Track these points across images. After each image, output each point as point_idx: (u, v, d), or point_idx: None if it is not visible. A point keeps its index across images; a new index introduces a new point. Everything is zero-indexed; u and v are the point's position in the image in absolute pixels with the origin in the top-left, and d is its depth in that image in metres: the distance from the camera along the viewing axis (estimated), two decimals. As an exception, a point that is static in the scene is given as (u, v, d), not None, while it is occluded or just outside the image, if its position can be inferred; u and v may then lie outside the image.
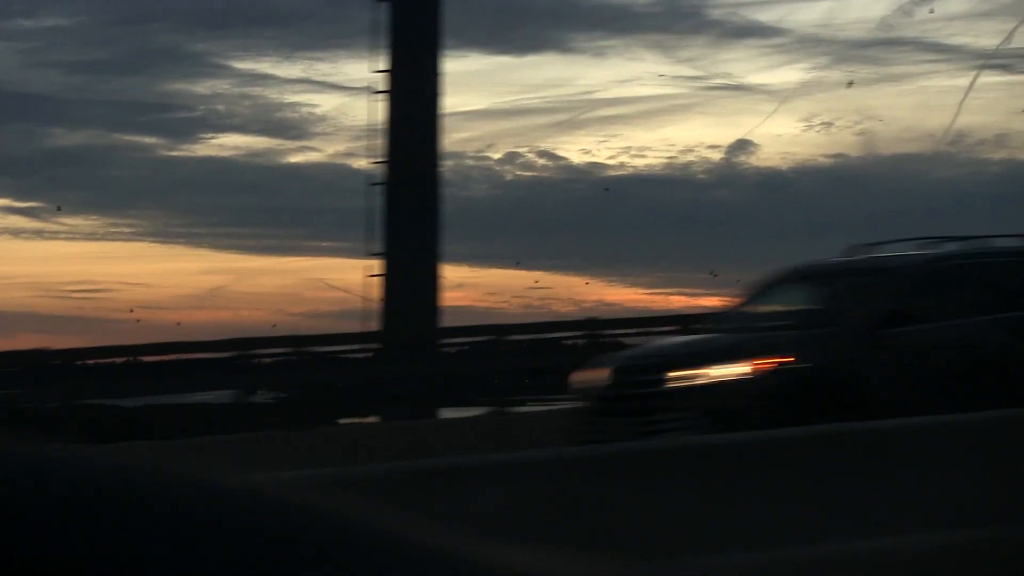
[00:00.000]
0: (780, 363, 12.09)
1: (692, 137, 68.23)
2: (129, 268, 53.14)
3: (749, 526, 6.50)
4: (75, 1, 50.92)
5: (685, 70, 66.27)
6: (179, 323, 48.01)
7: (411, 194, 26.39)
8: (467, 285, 55.30)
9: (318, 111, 52.85)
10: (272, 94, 56.17)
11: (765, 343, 12.49)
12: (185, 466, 1.26)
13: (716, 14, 56.18)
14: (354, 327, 27.10)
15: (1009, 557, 6.73)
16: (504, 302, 47.93)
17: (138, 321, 33.63)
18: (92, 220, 52.72)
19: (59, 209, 48.58)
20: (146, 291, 52.43)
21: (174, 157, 51.39)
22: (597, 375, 12.92)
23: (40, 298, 51.63)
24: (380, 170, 26.94)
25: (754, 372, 12.01)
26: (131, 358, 23.96)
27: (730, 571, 6.15)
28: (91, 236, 50.58)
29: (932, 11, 43.77)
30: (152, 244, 53.03)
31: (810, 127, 57.04)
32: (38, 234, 51.84)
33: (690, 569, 4.40)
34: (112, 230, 52.38)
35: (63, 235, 51.18)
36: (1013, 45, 57.85)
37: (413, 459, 11.54)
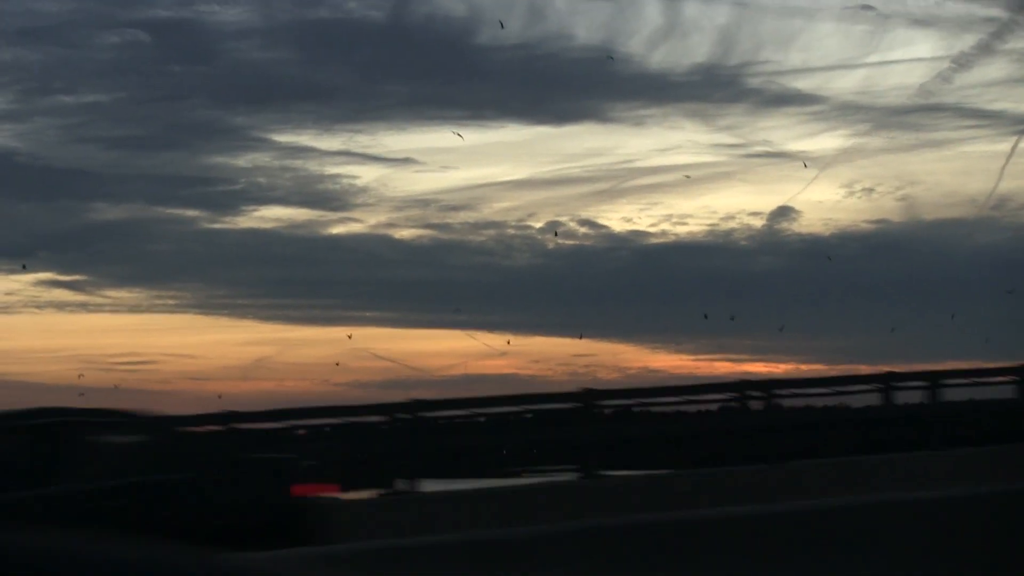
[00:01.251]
0: None
1: (733, 204, 68.40)
2: (173, 340, 53.47)
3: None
4: (115, 77, 51.63)
5: (724, 138, 66.58)
6: (220, 396, 48.26)
7: None
8: (510, 353, 55.37)
9: (359, 182, 53.28)
10: (313, 166, 56.67)
11: None
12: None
13: (754, 82, 56.40)
14: (399, 396, 27.21)
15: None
16: (549, 370, 47.91)
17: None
18: (136, 293, 53.11)
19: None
20: (191, 363, 52.79)
21: (216, 229, 51.87)
22: None
23: (85, 371, 52.04)
24: None
25: None
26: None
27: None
28: (135, 309, 50.99)
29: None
30: (196, 316, 53.37)
31: (851, 193, 57.13)
32: (83, 307, 52.27)
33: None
34: (156, 302, 52.77)
35: (107, 308, 51.56)
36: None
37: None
